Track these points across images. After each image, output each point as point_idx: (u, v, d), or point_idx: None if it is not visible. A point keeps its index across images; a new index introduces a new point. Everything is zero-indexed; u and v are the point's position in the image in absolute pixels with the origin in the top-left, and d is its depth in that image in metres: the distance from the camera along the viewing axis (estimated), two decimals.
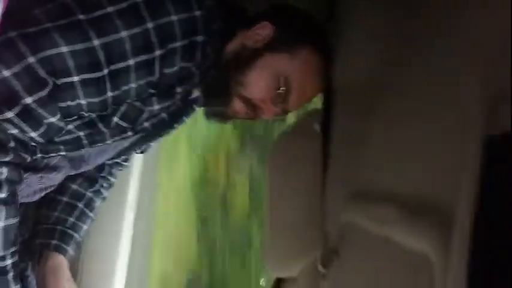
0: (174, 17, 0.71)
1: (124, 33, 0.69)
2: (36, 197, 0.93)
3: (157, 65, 0.73)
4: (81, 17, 0.68)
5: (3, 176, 0.67)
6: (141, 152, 1.08)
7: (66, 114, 0.73)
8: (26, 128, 0.68)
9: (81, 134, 0.80)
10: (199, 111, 0.95)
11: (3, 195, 0.68)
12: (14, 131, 0.67)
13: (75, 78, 0.69)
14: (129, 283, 1.24)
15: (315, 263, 0.81)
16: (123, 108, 0.79)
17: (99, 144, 0.85)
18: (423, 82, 0.58)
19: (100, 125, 0.80)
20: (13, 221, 0.70)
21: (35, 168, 0.82)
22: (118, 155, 0.99)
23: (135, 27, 0.70)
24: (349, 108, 0.88)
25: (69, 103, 0.71)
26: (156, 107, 0.81)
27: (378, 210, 0.62)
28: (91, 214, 1.03)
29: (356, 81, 0.85)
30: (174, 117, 0.91)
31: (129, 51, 0.70)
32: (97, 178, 1.06)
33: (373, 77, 0.79)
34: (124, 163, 1.09)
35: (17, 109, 0.66)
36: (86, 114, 0.76)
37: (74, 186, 1.02)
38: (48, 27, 0.67)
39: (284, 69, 0.84)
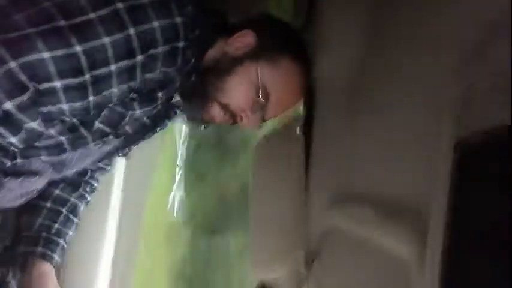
0: (155, 23, 0.72)
1: (106, 39, 0.69)
2: (18, 203, 0.92)
3: (138, 70, 0.73)
4: (63, 22, 0.68)
5: None
6: (124, 155, 1.07)
7: (47, 119, 0.72)
8: (5, 133, 0.68)
9: (63, 138, 0.80)
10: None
11: None
12: None
13: (57, 84, 0.68)
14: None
15: (297, 265, 0.82)
16: (104, 112, 0.79)
17: (80, 149, 0.85)
18: (396, 85, 0.60)
19: (82, 129, 0.80)
20: None
21: (15, 172, 0.81)
22: (100, 159, 0.99)
23: (117, 33, 0.70)
24: (328, 112, 0.89)
25: (50, 108, 0.71)
26: (138, 111, 0.81)
27: (357, 213, 0.63)
28: (76, 219, 1.02)
29: (334, 85, 0.86)
30: (156, 121, 0.91)
31: (111, 57, 0.70)
32: (80, 183, 1.05)
33: (349, 81, 0.80)
34: (106, 167, 1.09)
35: None
36: (68, 119, 0.75)
37: (57, 191, 1.01)
38: (29, 33, 0.67)
39: (263, 78, 0.85)
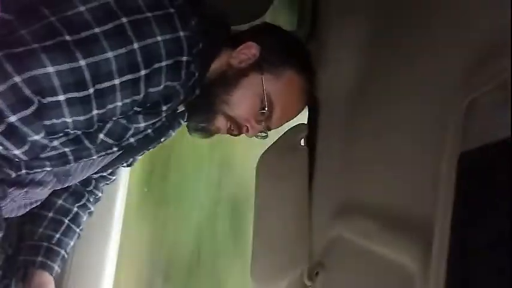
0: (159, 38, 0.73)
1: (110, 54, 0.70)
2: (21, 212, 0.92)
3: (142, 84, 0.74)
4: (68, 37, 0.69)
5: None
6: (128, 165, 1.08)
7: (51, 132, 0.72)
8: (10, 146, 0.68)
9: (67, 150, 0.80)
10: None
11: None
12: None
13: (61, 97, 0.69)
14: None
15: (301, 277, 0.82)
16: (108, 125, 0.79)
17: (84, 160, 0.85)
18: (400, 96, 0.60)
19: (86, 142, 0.80)
20: None
21: (19, 183, 0.81)
22: (104, 169, 0.99)
23: (121, 48, 0.71)
24: (332, 123, 0.90)
25: (54, 121, 0.71)
26: (142, 124, 0.82)
27: (361, 224, 0.64)
28: (77, 230, 1.02)
29: (337, 96, 0.87)
30: (161, 133, 0.92)
31: (115, 71, 0.71)
32: (83, 192, 1.05)
33: (353, 91, 0.81)
34: (110, 177, 1.09)
35: (1, 127, 0.66)
36: (72, 132, 0.76)
37: (60, 201, 1.01)
38: (34, 48, 0.67)
39: (268, 90, 0.86)
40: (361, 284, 0.63)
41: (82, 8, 0.71)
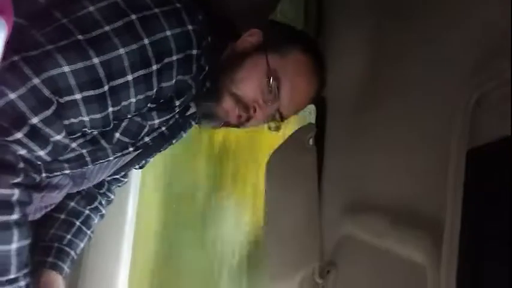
0: (168, 32, 0.74)
1: (122, 50, 0.71)
2: (37, 216, 0.94)
3: (154, 79, 0.75)
4: (80, 37, 0.70)
5: (15, 198, 0.68)
6: (140, 168, 1.09)
7: (70, 132, 0.74)
8: (34, 147, 0.69)
9: (84, 151, 0.81)
10: None
11: (15, 216, 0.68)
12: (23, 152, 0.68)
13: (77, 96, 0.70)
14: None
15: (313, 275, 0.82)
16: (124, 124, 0.81)
17: (101, 161, 0.86)
18: (406, 94, 0.61)
19: (102, 142, 0.81)
20: (25, 242, 0.70)
21: (38, 187, 0.83)
22: (117, 171, 1.00)
23: (132, 44, 0.72)
24: (340, 122, 0.90)
25: (73, 120, 0.72)
26: (156, 121, 0.83)
27: (371, 221, 0.64)
28: (88, 231, 1.03)
29: (344, 95, 0.87)
30: (173, 132, 0.93)
31: (128, 67, 0.72)
32: (96, 195, 1.06)
33: (360, 91, 0.81)
34: (123, 179, 1.10)
35: (25, 129, 0.68)
36: (89, 131, 0.77)
37: (72, 204, 1.02)
38: (49, 49, 0.69)
39: (274, 66, 0.84)
40: (373, 281, 0.64)
41: (92, 8, 0.72)
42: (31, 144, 0.69)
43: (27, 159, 0.70)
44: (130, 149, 0.87)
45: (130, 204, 1.24)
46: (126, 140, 0.83)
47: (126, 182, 1.12)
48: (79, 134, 0.77)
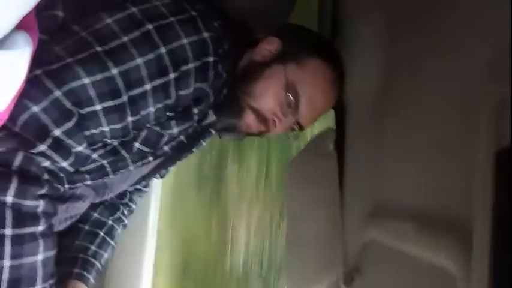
0: (184, 40, 0.74)
1: (139, 60, 0.72)
2: (62, 227, 0.95)
3: (172, 87, 0.75)
4: (99, 48, 0.71)
5: (40, 209, 0.69)
6: (161, 177, 1.10)
7: (91, 142, 0.75)
8: (58, 158, 0.71)
9: (105, 162, 0.82)
10: None
11: (41, 228, 0.69)
12: (46, 163, 0.70)
13: (97, 107, 0.71)
14: None
15: (337, 282, 0.81)
16: (143, 133, 0.81)
17: (121, 171, 0.87)
18: (428, 95, 0.59)
19: (122, 152, 0.82)
20: (51, 253, 0.71)
21: (61, 198, 0.84)
22: (139, 181, 1.01)
23: (149, 54, 0.73)
24: (359, 125, 0.89)
25: (93, 131, 0.73)
26: (175, 130, 0.83)
27: (395, 226, 0.63)
28: (112, 242, 1.04)
29: (363, 98, 0.86)
30: (193, 140, 0.93)
31: (146, 77, 0.73)
32: (118, 205, 1.07)
33: (378, 93, 0.80)
34: (144, 189, 1.11)
35: (48, 141, 0.69)
36: (109, 141, 0.78)
37: (95, 215, 1.03)
38: (69, 62, 0.70)
39: (292, 78, 0.84)
40: (399, 287, 0.62)
41: (109, 20, 0.73)
42: (54, 156, 0.70)
43: (51, 171, 0.71)
44: (150, 158, 0.87)
45: (151, 213, 1.24)
46: (146, 149, 0.84)
47: (148, 191, 1.13)
48: (99, 145, 0.77)
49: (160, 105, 0.76)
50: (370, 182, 0.79)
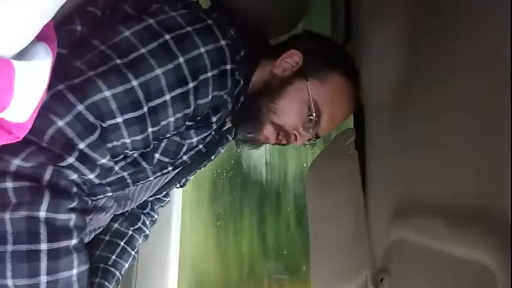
0: (202, 49, 0.75)
1: (159, 71, 0.73)
2: (87, 239, 0.96)
3: (191, 96, 0.76)
4: (118, 61, 0.72)
5: (72, 222, 0.68)
6: (181, 186, 1.10)
7: (113, 155, 0.75)
8: (85, 170, 0.71)
9: (125, 174, 0.83)
10: None
11: (74, 241, 0.68)
12: (74, 176, 0.70)
13: (119, 119, 0.72)
14: None
15: (366, 284, 0.80)
16: (163, 144, 0.82)
17: (142, 182, 0.88)
18: (454, 84, 0.58)
19: (143, 163, 0.83)
20: (85, 267, 0.70)
21: (85, 210, 0.85)
22: (159, 191, 1.02)
23: (168, 64, 0.73)
24: (380, 124, 0.88)
25: (115, 143, 0.74)
26: (195, 139, 0.84)
27: (425, 224, 0.61)
28: (132, 252, 1.05)
29: (381, 97, 0.85)
30: (211, 149, 0.93)
31: (165, 87, 0.73)
32: (140, 215, 1.08)
33: (397, 90, 0.79)
34: (165, 198, 1.12)
35: (75, 154, 0.69)
36: (130, 153, 0.78)
37: (115, 225, 1.04)
38: (90, 76, 0.71)
39: (314, 96, 0.86)
40: (431, 285, 0.61)
41: (127, 33, 0.74)
42: (82, 168, 0.70)
43: (78, 184, 0.71)
44: (170, 168, 0.88)
45: (174, 223, 1.25)
46: (166, 160, 0.84)
47: (169, 201, 1.13)
48: (121, 157, 0.78)
49: (179, 115, 0.76)
50: (393, 180, 0.78)
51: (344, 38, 1.04)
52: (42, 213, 0.65)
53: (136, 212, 1.08)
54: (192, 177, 1.07)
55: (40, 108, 0.57)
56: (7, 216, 0.64)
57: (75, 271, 0.68)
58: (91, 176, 0.72)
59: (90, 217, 0.87)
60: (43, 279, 0.65)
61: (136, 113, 0.73)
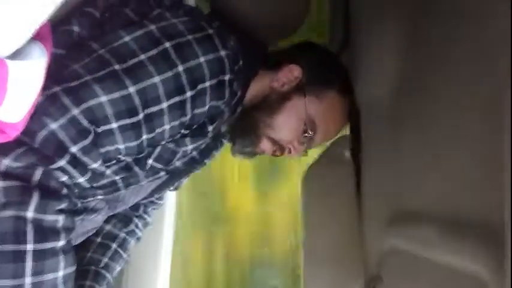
0: (202, 59, 0.74)
1: (157, 78, 0.72)
2: (79, 241, 0.95)
3: (188, 105, 0.75)
4: (117, 66, 0.71)
5: (60, 224, 0.68)
6: (175, 189, 1.10)
7: (106, 159, 0.75)
8: (76, 174, 0.71)
9: (117, 178, 0.82)
10: None
11: (62, 243, 0.67)
12: (64, 178, 0.69)
13: (114, 125, 0.71)
14: None
15: None
16: (157, 150, 0.81)
17: (133, 186, 0.87)
18: (447, 95, 0.58)
19: (135, 168, 0.82)
20: (71, 269, 0.70)
21: (76, 211, 0.84)
22: (152, 194, 1.01)
23: (167, 72, 0.73)
24: (376, 132, 0.88)
25: (108, 148, 0.73)
26: (190, 146, 0.84)
27: (417, 232, 0.61)
28: (124, 254, 1.04)
29: (380, 103, 0.86)
30: (205, 154, 0.93)
31: (163, 95, 0.73)
32: (132, 218, 1.07)
33: (393, 98, 0.79)
34: (158, 201, 1.11)
35: (67, 157, 0.69)
36: (123, 158, 0.78)
37: (108, 227, 1.04)
38: (87, 80, 0.70)
39: (311, 113, 0.88)
40: None
41: (127, 38, 0.73)
42: (73, 172, 0.70)
43: (69, 186, 0.70)
44: (162, 173, 0.87)
45: (166, 226, 1.24)
46: (159, 166, 0.84)
47: (162, 204, 1.13)
48: (113, 161, 0.77)
49: (175, 123, 0.76)
50: (388, 188, 0.78)
51: (342, 44, 1.05)
52: (30, 214, 0.64)
53: (129, 214, 1.07)
54: (186, 180, 1.07)
55: (34, 109, 0.56)
56: None
57: (61, 273, 0.68)
58: (81, 180, 0.72)
59: (81, 218, 0.86)
60: (28, 280, 0.64)
61: (132, 120, 0.72)
